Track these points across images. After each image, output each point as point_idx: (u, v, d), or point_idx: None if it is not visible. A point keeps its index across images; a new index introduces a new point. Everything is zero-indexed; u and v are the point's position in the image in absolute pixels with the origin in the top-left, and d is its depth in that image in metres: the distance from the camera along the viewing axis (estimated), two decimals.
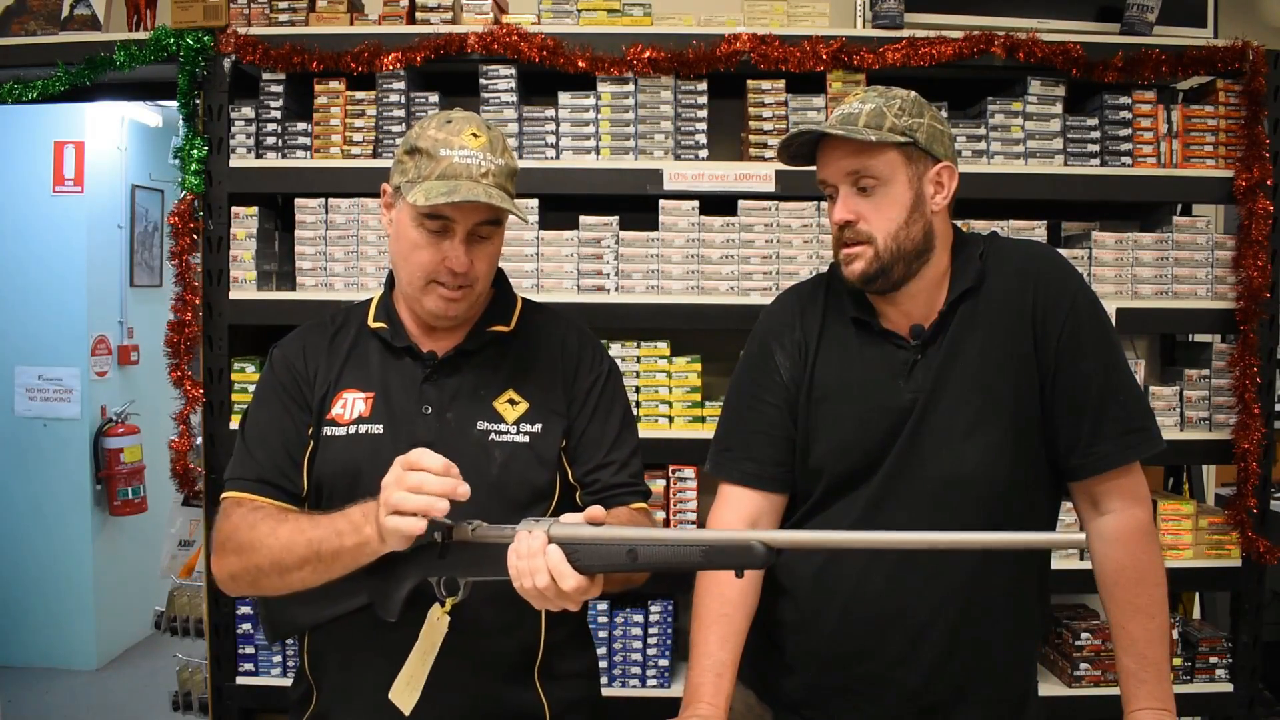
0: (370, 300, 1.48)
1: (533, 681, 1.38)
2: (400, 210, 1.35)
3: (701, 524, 2.44)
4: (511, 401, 1.39)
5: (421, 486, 1.11)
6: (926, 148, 1.35)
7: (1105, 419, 1.35)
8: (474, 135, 1.32)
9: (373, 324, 1.43)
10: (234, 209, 2.37)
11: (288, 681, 2.32)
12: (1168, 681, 1.34)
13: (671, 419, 2.36)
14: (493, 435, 1.36)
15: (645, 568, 1.11)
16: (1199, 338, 2.58)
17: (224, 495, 1.37)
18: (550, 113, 2.38)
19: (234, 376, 2.36)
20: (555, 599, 1.11)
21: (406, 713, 1.21)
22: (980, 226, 2.29)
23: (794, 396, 1.44)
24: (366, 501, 1.19)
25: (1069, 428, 1.36)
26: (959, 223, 1.49)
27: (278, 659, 2.40)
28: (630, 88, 2.35)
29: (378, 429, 1.35)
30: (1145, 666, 1.33)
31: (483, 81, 2.37)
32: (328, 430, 1.38)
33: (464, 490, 1.12)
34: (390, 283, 1.46)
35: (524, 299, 1.51)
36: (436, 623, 1.22)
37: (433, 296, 1.35)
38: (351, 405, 1.38)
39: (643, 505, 1.43)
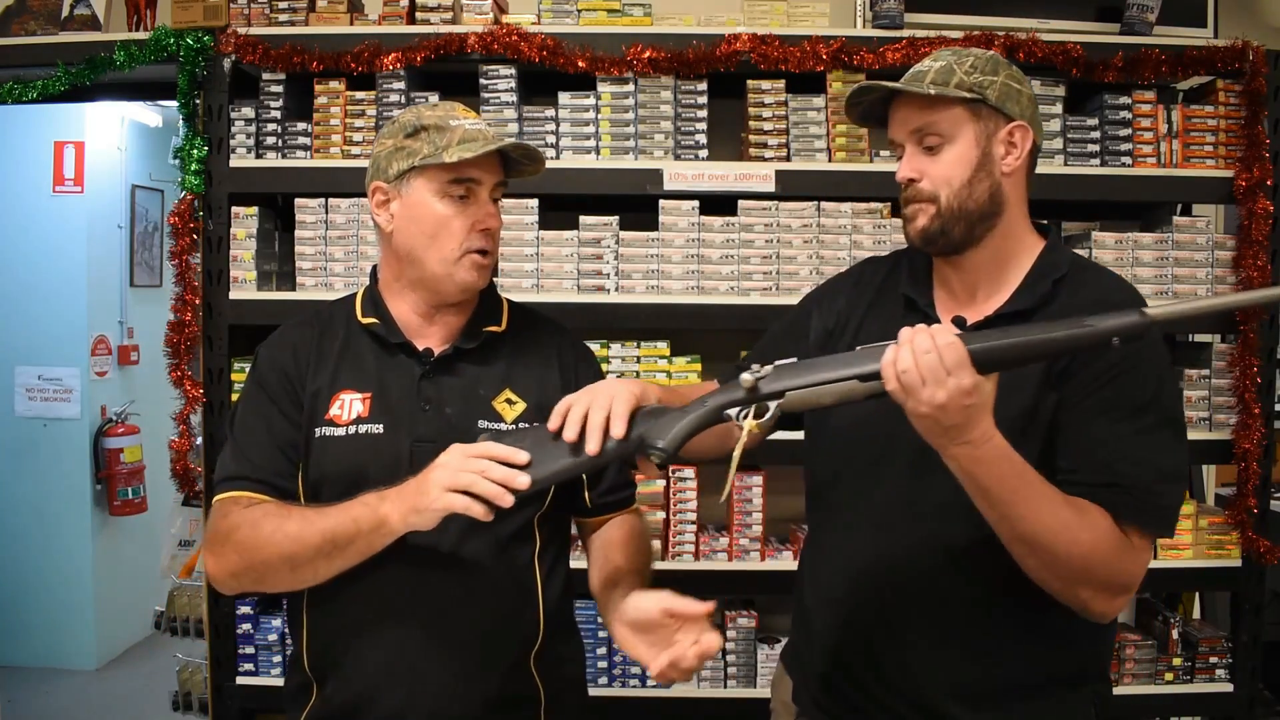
0: (353, 296, 1.47)
1: (529, 667, 1.38)
2: (414, 193, 1.36)
3: (701, 525, 2.44)
4: (509, 401, 1.40)
5: (487, 472, 1.16)
6: (998, 105, 1.29)
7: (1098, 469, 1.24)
8: (466, 112, 1.40)
9: (364, 320, 1.43)
10: (234, 209, 2.37)
11: None
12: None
13: None
14: (492, 435, 1.36)
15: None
16: (1199, 338, 2.58)
17: (218, 497, 1.35)
18: (550, 113, 2.38)
19: (234, 377, 2.36)
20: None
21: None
22: None
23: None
24: (380, 489, 1.24)
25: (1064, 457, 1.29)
26: None
27: (278, 659, 2.39)
28: (630, 88, 2.35)
29: (378, 429, 1.36)
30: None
31: (483, 81, 2.37)
32: (326, 431, 1.37)
33: (523, 481, 1.17)
34: (374, 277, 1.46)
35: (508, 299, 1.51)
36: (746, 434, 1.18)
37: (466, 267, 1.36)
38: (349, 406, 1.37)
39: (635, 506, 1.51)
